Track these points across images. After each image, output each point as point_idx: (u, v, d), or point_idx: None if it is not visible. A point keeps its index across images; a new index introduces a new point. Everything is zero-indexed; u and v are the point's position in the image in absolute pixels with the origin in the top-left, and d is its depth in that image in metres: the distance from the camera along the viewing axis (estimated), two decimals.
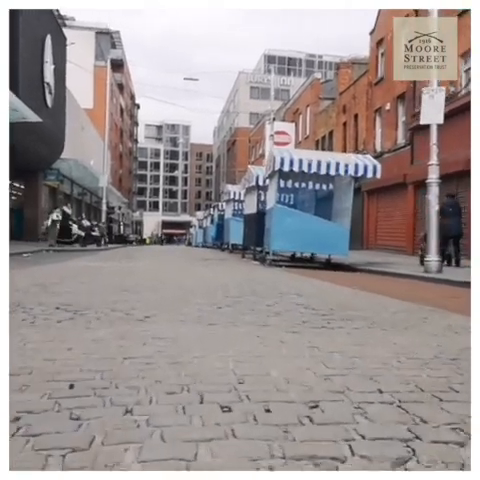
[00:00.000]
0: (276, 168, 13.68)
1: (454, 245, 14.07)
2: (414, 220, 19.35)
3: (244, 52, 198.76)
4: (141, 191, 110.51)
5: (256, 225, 16.53)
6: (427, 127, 21.12)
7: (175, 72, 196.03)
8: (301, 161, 13.62)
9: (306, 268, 13.74)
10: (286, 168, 13.64)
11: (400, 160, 22.19)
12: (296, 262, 16.15)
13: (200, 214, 55.75)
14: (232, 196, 23.78)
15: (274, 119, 32.28)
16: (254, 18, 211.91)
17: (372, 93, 26.88)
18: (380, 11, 25.95)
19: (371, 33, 27.66)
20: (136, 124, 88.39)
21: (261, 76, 68.38)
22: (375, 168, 13.58)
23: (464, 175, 17.10)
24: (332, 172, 13.65)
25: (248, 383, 2.30)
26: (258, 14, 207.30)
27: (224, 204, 28.00)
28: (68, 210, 26.62)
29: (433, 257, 11.21)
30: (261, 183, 17.03)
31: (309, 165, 13.60)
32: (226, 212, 26.17)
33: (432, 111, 11.39)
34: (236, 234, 21.50)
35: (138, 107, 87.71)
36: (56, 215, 22.16)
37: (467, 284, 8.93)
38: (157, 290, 6.33)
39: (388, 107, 24.78)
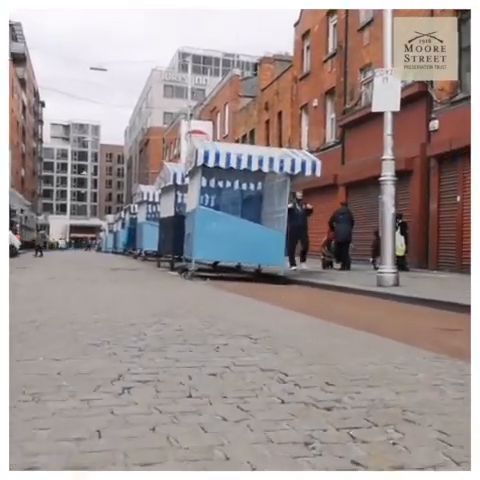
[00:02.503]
0: (199, 164, 11.51)
1: (343, 249, 15.11)
2: None
3: (158, 50, 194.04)
4: (47, 193, 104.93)
5: (174, 230, 14.54)
6: (360, 124, 19.69)
7: (85, 70, 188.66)
8: (229, 156, 11.53)
9: (235, 280, 11.72)
10: (211, 164, 11.50)
11: (330, 160, 20.56)
12: (220, 272, 14.01)
13: (110, 218, 52.79)
14: (145, 197, 21.47)
15: (191, 115, 30.05)
16: (169, 17, 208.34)
17: (297, 89, 25.25)
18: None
19: (296, 25, 26.03)
20: (41, 122, 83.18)
21: (175, 74, 65.75)
22: (314, 165, 11.69)
23: (403, 175, 15.68)
24: (265, 169, 11.65)
25: None
26: (173, 13, 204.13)
27: (136, 206, 25.57)
28: None
29: (388, 268, 9.46)
30: (179, 182, 14.98)
31: (238, 160, 11.53)
32: (139, 215, 23.93)
33: (386, 96, 9.74)
34: (150, 240, 19.36)
35: (43, 105, 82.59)
36: None
37: (439, 304, 7.25)
38: (28, 336, 3.95)
39: (315, 103, 23.22)
